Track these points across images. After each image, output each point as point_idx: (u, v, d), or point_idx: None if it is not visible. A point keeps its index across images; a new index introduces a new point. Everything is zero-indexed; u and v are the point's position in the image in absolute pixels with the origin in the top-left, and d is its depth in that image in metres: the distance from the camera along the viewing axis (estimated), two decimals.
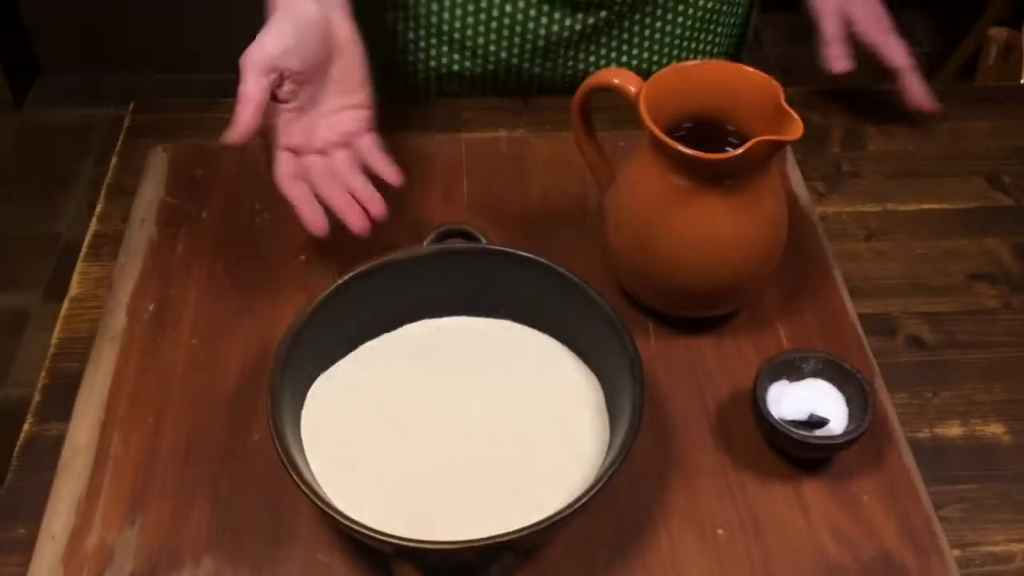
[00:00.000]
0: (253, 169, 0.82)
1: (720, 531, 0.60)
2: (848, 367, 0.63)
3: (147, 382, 0.67)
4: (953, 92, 0.93)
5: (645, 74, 0.66)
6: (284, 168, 0.67)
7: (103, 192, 0.82)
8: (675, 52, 0.92)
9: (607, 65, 0.91)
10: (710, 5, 0.91)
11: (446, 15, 0.86)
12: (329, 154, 0.70)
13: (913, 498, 0.62)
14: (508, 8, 0.85)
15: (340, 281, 0.63)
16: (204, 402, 0.66)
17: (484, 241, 0.66)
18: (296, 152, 0.68)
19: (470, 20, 0.86)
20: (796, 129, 0.61)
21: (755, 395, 0.62)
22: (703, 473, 0.63)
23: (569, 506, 0.52)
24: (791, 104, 0.62)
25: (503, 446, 0.61)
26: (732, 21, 0.95)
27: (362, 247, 0.75)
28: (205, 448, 0.63)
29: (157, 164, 0.82)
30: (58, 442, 0.64)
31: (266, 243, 0.76)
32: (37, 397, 0.68)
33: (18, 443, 0.65)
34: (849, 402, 0.63)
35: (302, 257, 0.75)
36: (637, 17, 0.89)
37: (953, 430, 0.68)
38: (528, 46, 0.87)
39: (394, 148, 0.84)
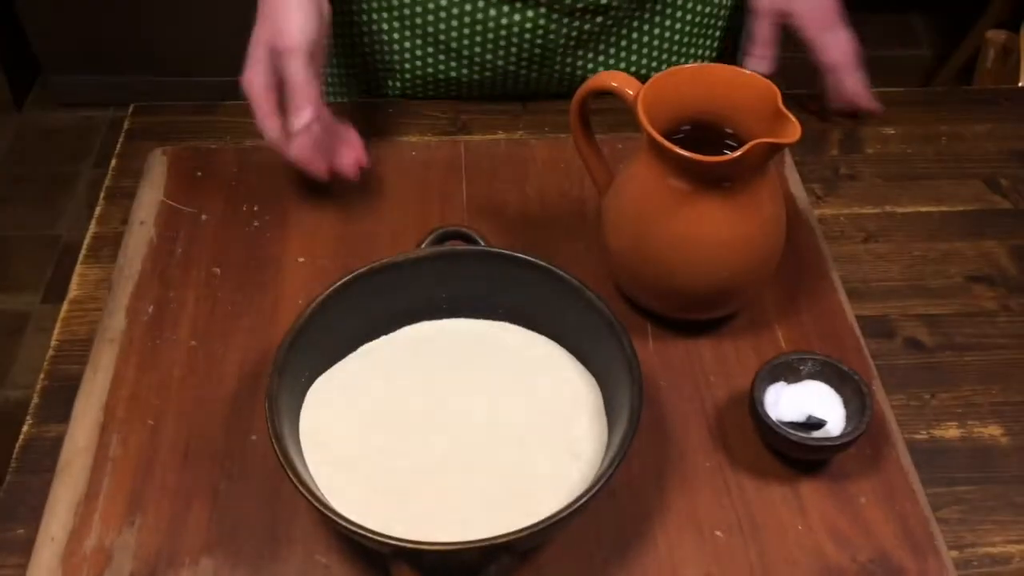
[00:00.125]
0: (252, 172, 0.82)
1: (718, 532, 0.60)
2: (846, 369, 0.63)
3: (146, 384, 0.67)
4: (951, 95, 0.93)
5: (642, 79, 0.66)
6: (275, 131, 0.73)
7: (102, 194, 0.82)
8: (671, 58, 0.92)
9: (603, 70, 0.91)
10: (706, 10, 0.91)
11: (442, 25, 0.86)
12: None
13: (911, 499, 0.62)
14: (504, 20, 0.84)
15: (339, 283, 0.63)
16: (203, 404, 0.66)
17: (482, 243, 0.66)
18: (280, 114, 0.74)
19: (466, 31, 0.86)
20: (794, 132, 0.61)
21: (753, 397, 0.62)
22: (701, 475, 0.63)
23: (567, 507, 0.52)
24: (789, 107, 0.62)
25: (501, 448, 0.61)
26: (727, 26, 0.96)
27: (361, 249, 0.75)
28: (204, 449, 0.64)
29: (156, 166, 0.82)
30: (57, 444, 0.64)
31: (265, 245, 0.76)
32: (36, 399, 0.68)
33: (17, 444, 0.65)
34: (847, 404, 0.63)
35: (301, 259, 0.75)
36: (634, 24, 0.88)
37: (951, 432, 0.68)
38: (524, 54, 0.87)
39: (393, 150, 0.85)
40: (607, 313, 0.62)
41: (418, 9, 0.85)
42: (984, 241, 0.81)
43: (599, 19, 0.86)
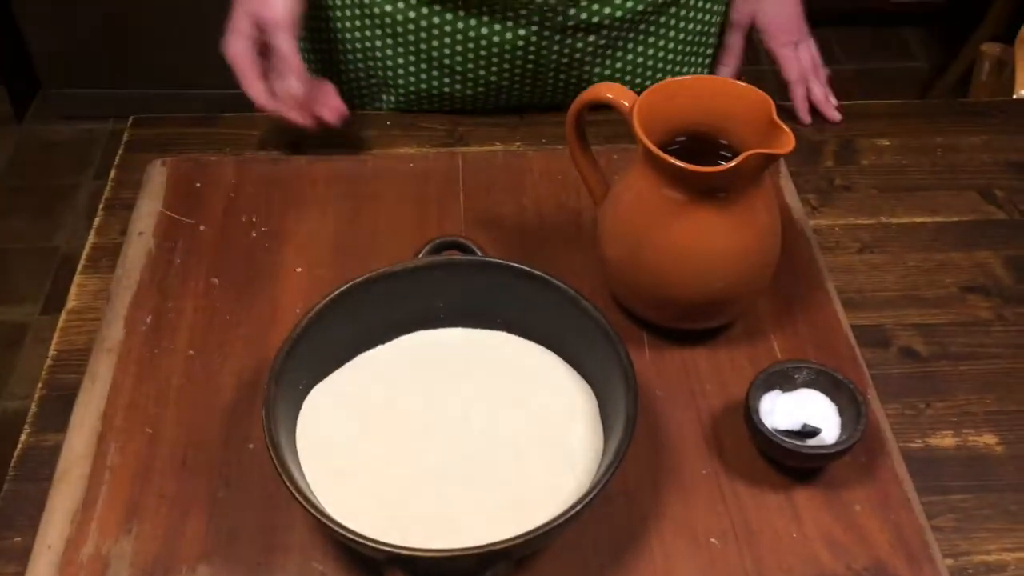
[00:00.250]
0: (250, 183, 0.82)
1: (713, 540, 0.60)
2: (840, 377, 0.64)
3: (144, 393, 0.67)
4: (946, 107, 0.94)
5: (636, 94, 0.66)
6: (261, 93, 0.79)
7: (102, 205, 0.83)
8: (663, 76, 0.92)
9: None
10: (697, 28, 0.92)
11: (435, 42, 0.86)
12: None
13: (906, 508, 0.62)
14: (496, 38, 0.85)
15: (336, 292, 0.63)
16: (200, 413, 0.66)
17: (479, 253, 0.67)
18: (264, 79, 0.79)
19: (458, 48, 0.86)
20: (788, 142, 0.61)
21: (748, 405, 0.63)
22: (697, 482, 0.63)
23: (562, 514, 0.53)
24: (785, 119, 0.63)
25: (497, 456, 0.61)
26: (719, 43, 0.96)
27: (359, 259, 0.76)
28: (201, 458, 0.64)
29: (156, 177, 0.83)
30: (55, 453, 0.64)
31: (263, 255, 0.77)
32: (34, 408, 0.68)
33: (15, 453, 0.65)
34: (842, 412, 0.63)
35: (298, 269, 0.76)
36: (628, 44, 0.89)
37: (946, 441, 0.68)
38: (517, 71, 0.88)
39: (391, 162, 0.85)
40: (603, 322, 0.62)
41: (411, 27, 0.86)
42: (979, 251, 0.81)
43: (591, 38, 0.86)
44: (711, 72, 0.98)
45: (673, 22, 0.89)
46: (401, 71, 0.89)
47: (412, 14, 0.85)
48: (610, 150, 0.81)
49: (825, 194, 0.85)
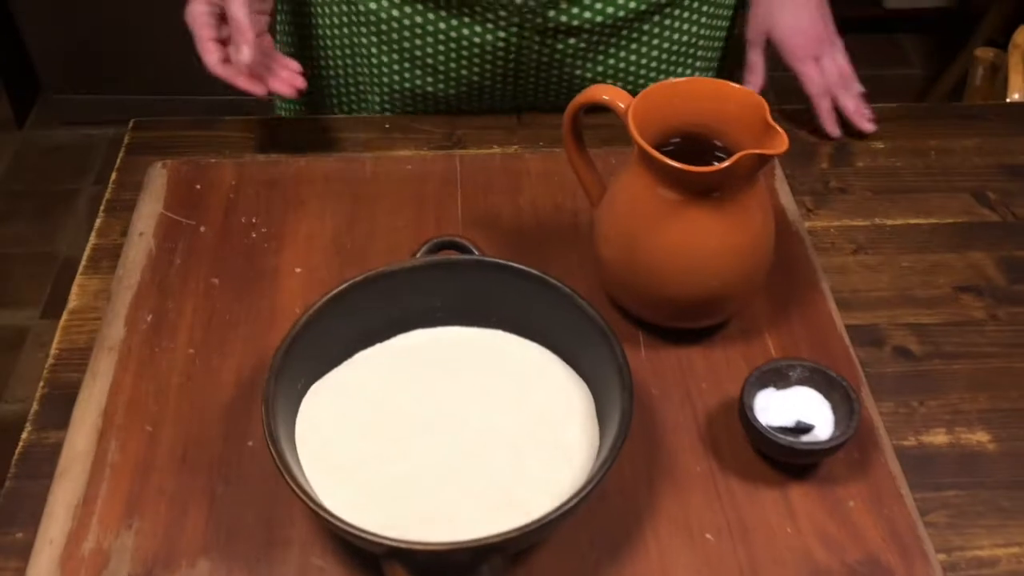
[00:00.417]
0: (250, 185, 0.83)
1: (708, 536, 0.61)
2: (834, 375, 0.64)
3: (144, 391, 0.68)
4: (940, 110, 0.95)
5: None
6: (215, 56, 0.79)
7: (102, 207, 0.83)
8: (648, 82, 0.92)
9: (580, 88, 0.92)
10: (684, 39, 0.91)
11: (418, 41, 0.87)
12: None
13: (899, 503, 0.63)
14: (477, 39, 0.86)
15: (335, 291, 0.64)
16: (200, 410, 0.67)
17: (477, 253, 0.68)
18: (222, 43, 0.80)
19: (441, 47, 0.87)
20: (781, 144, 0.62)
21: (742, 402, 0.63)
22: (692, 479, 0.64)
23: (556, 509, 0.53)
24: (781, 121, 0.64)
25: (494, 453, 0.61)
26: (715, 46, 0.97)
27: (357, 259, 0.76)
28: (201, 455, 0.64)
29: (156, 179, 0.83)
30: (56, 450, 0.65)
31: (262, 256, 0.77)
32: (35, 406, 0.69)
33: (16, 451, 0.66)
34: (835, 409, 0.64)
35: (297, 269, 0.76)
36: (609, 49, 0.89)
37: (939, 438, 0.69)
38: (499, 71, 0.89)
39: (388, 164, 0.86)
40: (599, 321, 0.63)
41: (394, 24, 0.87)
42: (972, 253, 0.82)
43: (572, 40, 0.87)
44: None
45: (657, 30, 0.89)
46: (386, 69, 0.90)
47: (395, 12, 0.86)
48: (607, 153, 0.82)
49: (820, 196, 0.86)
